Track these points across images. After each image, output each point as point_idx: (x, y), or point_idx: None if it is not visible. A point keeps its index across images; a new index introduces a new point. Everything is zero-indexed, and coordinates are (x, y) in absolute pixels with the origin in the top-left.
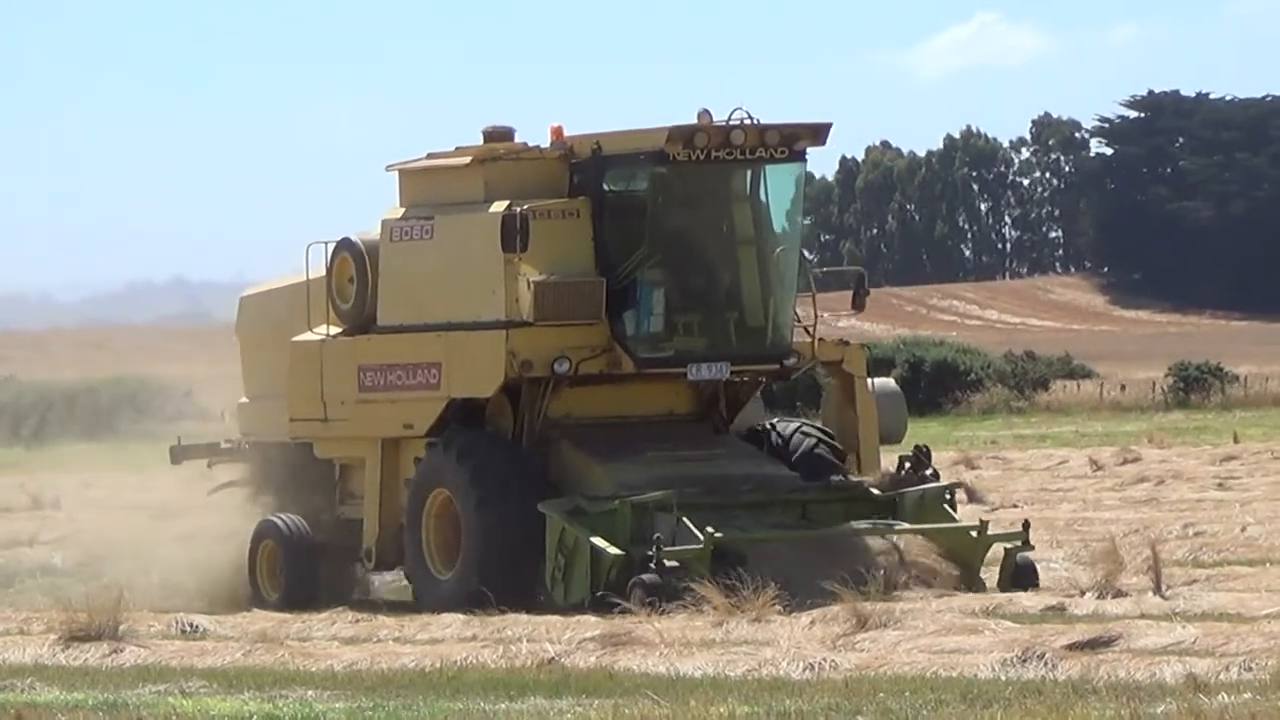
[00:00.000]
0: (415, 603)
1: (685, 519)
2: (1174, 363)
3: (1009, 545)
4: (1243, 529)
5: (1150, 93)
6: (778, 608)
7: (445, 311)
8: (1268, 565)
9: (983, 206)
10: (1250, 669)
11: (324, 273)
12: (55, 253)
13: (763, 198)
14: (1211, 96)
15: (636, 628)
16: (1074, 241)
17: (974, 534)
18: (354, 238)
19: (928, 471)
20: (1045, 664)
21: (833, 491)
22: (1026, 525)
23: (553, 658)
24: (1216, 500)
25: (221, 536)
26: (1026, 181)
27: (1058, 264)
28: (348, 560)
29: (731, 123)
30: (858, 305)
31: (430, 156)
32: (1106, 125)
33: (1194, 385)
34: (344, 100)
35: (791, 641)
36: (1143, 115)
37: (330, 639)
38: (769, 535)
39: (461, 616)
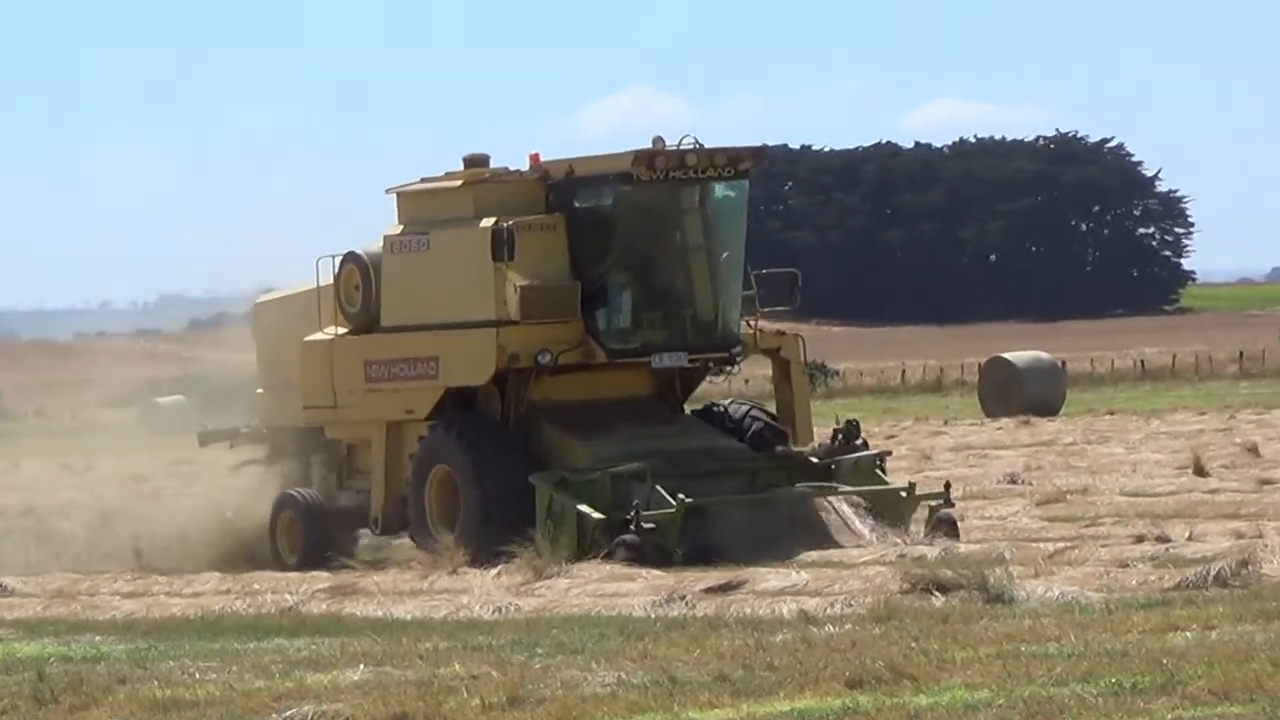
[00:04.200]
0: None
1: (659, 487)
2: None
3: (933, 503)
4: None
5: (765, 145)
6: (464, 560)
7: (441, 313)
8: None
9: None
10: (850, 605)
11: (331, 281)
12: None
13: (712, 210)
14: (814, 148)
15: (359, 580)
16: None
17: (903, 494)
18: (359, 251)
19: (858, 441)
20: (687, 604)
21: (778, 460)
22: (948, 486)
23: (291, 606)
24: None
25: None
26: None
27: None
28: (355, 526)
29: (684, 147)
30: (792, 302)
31: (423, 180)
32: None
33: None
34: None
35: (483, 590)
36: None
37: (114, 594)
38: (731, 499)
39: (218, 574)
